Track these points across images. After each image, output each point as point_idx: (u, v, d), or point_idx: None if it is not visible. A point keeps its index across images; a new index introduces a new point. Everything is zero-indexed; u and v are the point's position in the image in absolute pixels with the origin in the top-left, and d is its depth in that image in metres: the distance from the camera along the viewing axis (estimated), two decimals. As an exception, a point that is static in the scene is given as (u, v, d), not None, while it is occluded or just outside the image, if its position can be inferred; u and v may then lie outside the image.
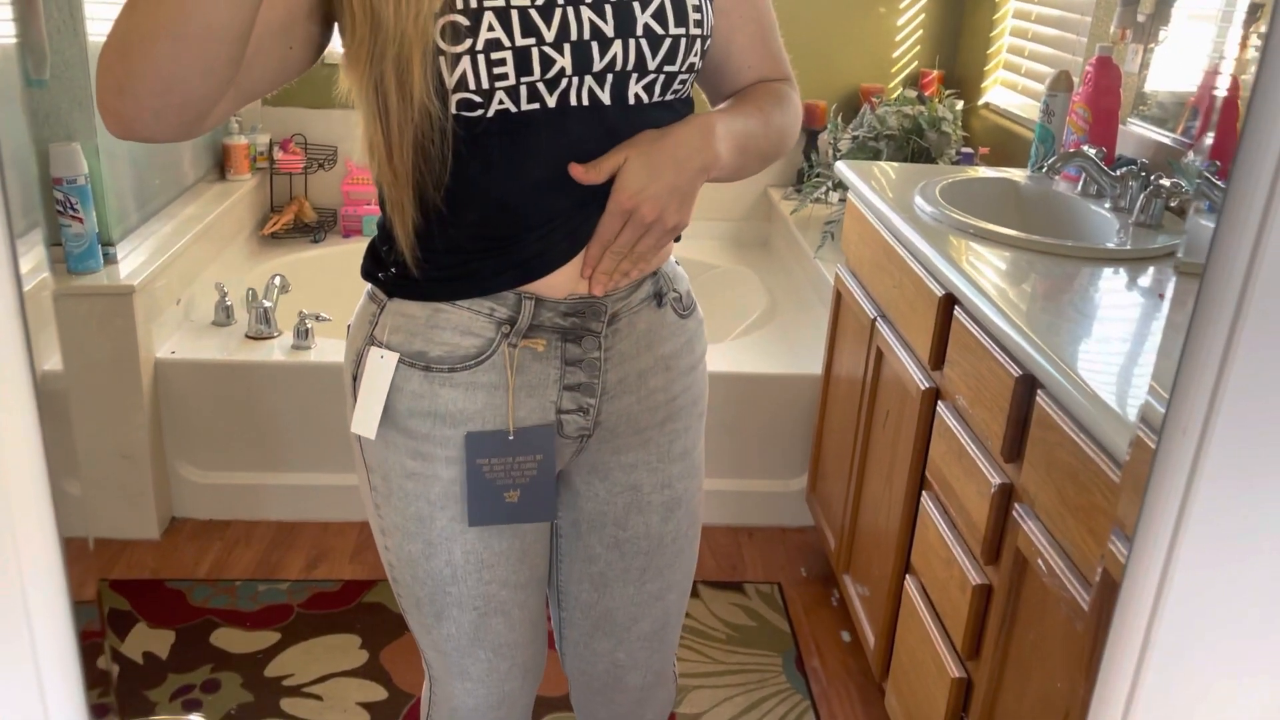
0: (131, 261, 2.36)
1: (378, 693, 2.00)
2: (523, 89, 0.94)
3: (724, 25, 1.08)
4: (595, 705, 1.34)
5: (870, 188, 2.06)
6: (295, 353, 2.45)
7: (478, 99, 0.94)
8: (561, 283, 1.04)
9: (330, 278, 2.99)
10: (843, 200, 2.69)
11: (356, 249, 3.17)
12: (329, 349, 2.47)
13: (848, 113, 3.11)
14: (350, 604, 2.25)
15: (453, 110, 0.94)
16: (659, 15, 0.97)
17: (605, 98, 0.98)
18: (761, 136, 1.09)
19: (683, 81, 1.03)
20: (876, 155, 2.71)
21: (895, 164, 2.42)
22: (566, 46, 0.94)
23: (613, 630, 1.24)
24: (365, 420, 1.05)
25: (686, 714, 1.98)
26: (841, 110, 3.10)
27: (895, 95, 2.98)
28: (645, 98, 1.00)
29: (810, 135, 3.15)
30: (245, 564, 2.37)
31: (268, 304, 2.51)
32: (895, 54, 3.23)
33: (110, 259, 2.33)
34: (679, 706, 1.99)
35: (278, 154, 3.15)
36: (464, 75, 0.92)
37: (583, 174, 0.98)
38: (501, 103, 0.94)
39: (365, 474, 1.13)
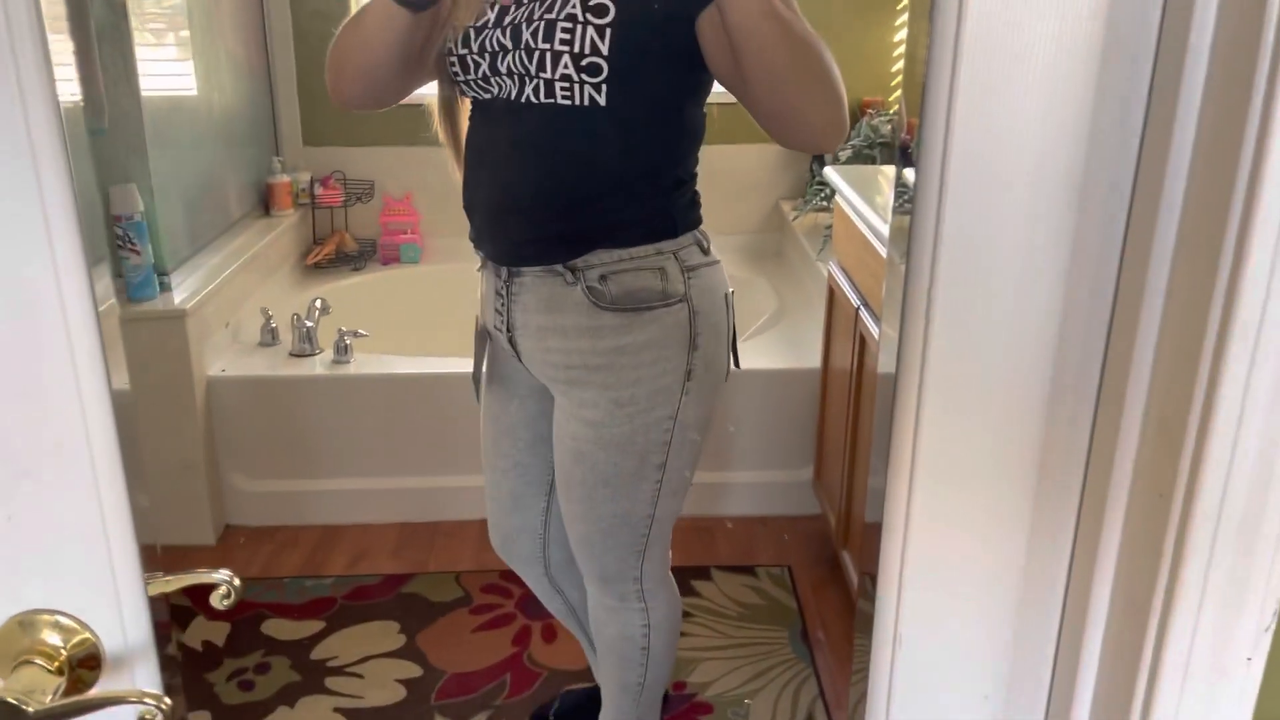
0: (185, 289, 2.59)
1: (414, 671, 2.17)
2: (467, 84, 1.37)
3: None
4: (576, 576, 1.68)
5: (850, 187, 2.21)
6: (335, 366, 2.66)
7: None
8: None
9: (370, 301, 3.20)
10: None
11: (395, 274, 3.41)
12: (366, 363, 2.67)
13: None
14: (390, 595, 2.43)
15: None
16: (534, 35, 1.26)
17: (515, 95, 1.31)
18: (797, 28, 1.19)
19: (564, 88, 1.26)
20: (872, 162, 2.86)
21: (886, 167, 2.57)
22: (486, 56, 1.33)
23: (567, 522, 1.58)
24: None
25: (697, 683, 2.12)
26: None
27: (895, 108, 3.13)
28: (535, 99, 1.29)
29: (816, 149, 3.31)
30: (293, 563, 2.57)
31: (310, 324, 2.72)
32: (894, 69, 3.39)
33: (165, 287, 2.56)
34: (689, 676, 2.14)
35: (318, 190, 3.39)
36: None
37: None
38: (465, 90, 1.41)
39: None
